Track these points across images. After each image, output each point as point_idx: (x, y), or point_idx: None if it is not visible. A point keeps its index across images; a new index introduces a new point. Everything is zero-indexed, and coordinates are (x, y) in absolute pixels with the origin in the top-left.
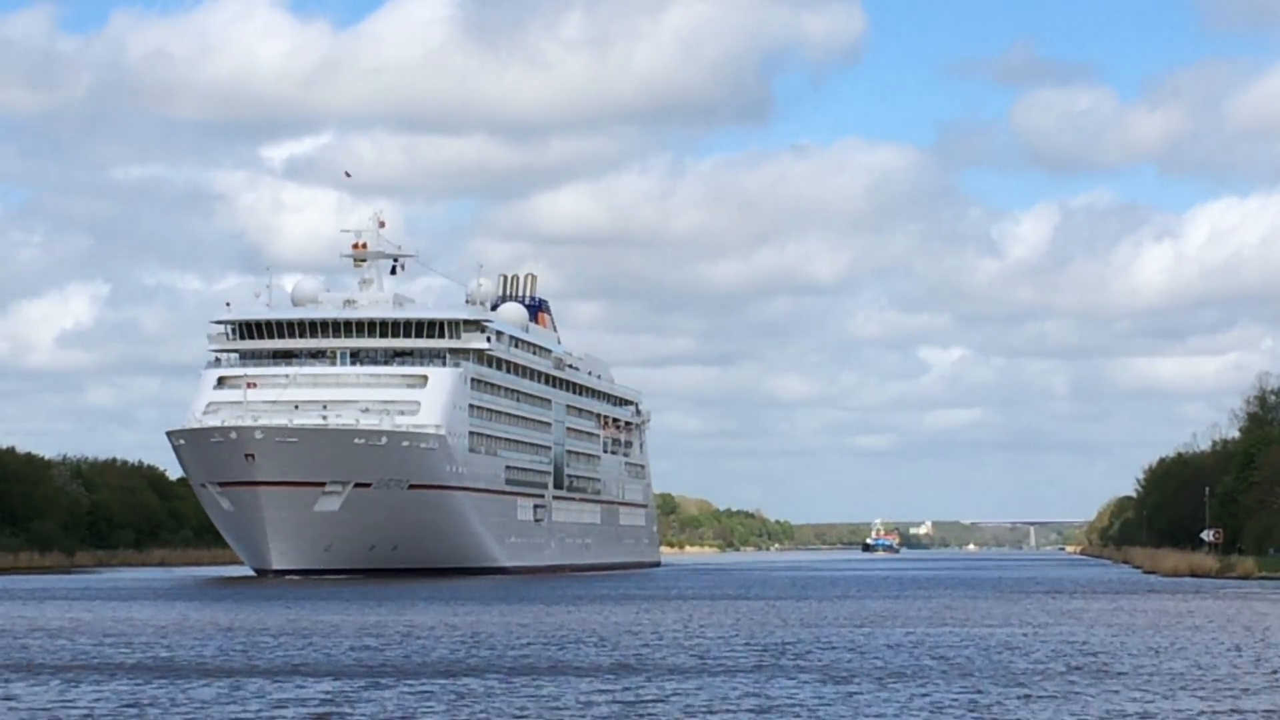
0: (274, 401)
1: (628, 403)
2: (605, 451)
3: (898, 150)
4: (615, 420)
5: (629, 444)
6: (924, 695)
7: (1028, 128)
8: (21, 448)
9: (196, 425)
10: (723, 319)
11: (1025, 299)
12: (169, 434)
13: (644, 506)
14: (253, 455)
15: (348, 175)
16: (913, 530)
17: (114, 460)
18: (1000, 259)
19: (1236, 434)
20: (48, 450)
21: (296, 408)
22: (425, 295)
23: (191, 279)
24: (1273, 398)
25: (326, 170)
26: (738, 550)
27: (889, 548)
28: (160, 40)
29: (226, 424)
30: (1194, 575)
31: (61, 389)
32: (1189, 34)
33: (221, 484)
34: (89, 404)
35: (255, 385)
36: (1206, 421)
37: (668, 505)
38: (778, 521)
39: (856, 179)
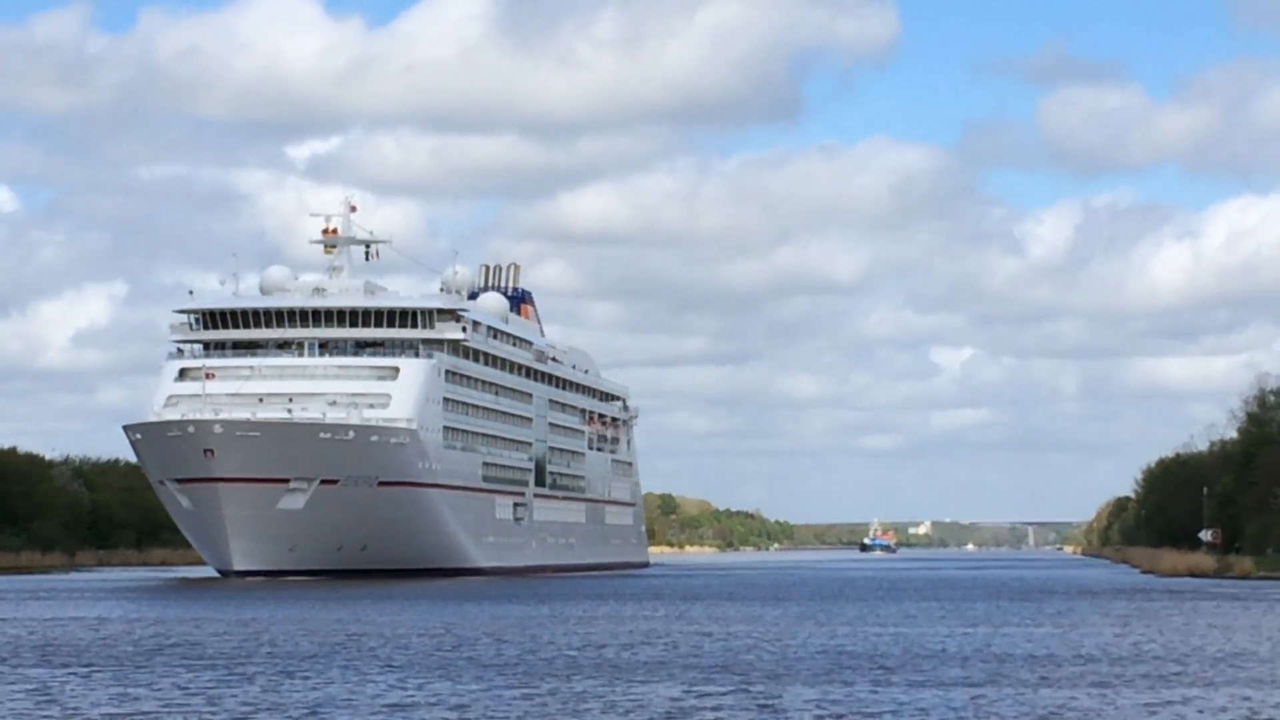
0: (236, 394)
1: (614, 398)
2: (590, 448)
3: (922, 150)
4: (601, 416)
5: (616, 440)
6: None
7: (1054, 126)
8: (32, 447)
9: (154, 419)
10: (738, 319)
11: (1042, 299)
12: (125, 428)
13: (631, 505)
14: (212, 450)
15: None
16: (911, 530)
17: (115, 460)
18: (1021, 259)
19: (1235, 434)
20: (57, 450)
21: (260, 401)
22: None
23: (212, 279)
24: (1272, 398)
25: (349, 169)
26: (737, 550)
27: (886, 548)
28: (192, 38)
29: (185, 417)
30: (1192, 575)
31: (74, 389)
32: (1219, 33)
33: (180, 481)
34: (100, 404)
35: (213, 376)
36: (1215, 422)
37: (668, 505)
38: (777, 522)
39: (880, 178)
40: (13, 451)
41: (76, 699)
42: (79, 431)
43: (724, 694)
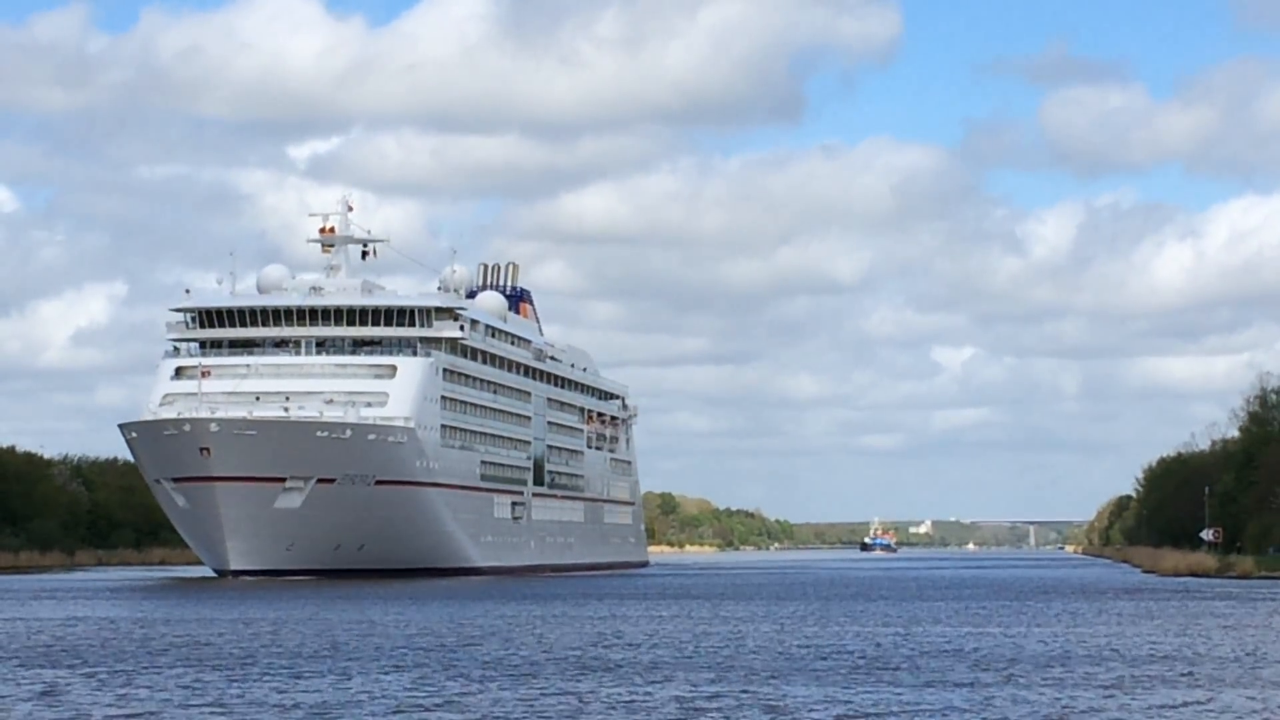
0: (232, 393)
1: (613, 396)
2: (589, 447)
3: (924, 150)
4: (600, 414)
5: (615, 439)
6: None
7: (1056, 126)
8: (32, 447)
9: (150, 417)
10: (740, 319)
11: (1044, 298)
12: (121, 427)
13: (630, 504)
14: (208, 449)
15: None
16: (912, 529)
17: (115, 460)
18: (1022, 258)
19: (1236, 433)
20: (57, 450)
21: (257, 399)
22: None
23: (211, 279)
24: (1273, 397)
25: (350, 169)
26: (737, 550)
27: (886, 547)
28: (193, 38)
29: (181, 416)
30: (1194, 575)
31: (73, 388)
32: (1222, 33)
33: (176, 479)
34: (99, 403)
35: (209, 374)
36: (1216, 421)
37: (668, 505)
38: (777, 521)
39: (882, 178)
40: (12, 451)
41: (82, 701)
42: (78, 431)
43: (730, 695)
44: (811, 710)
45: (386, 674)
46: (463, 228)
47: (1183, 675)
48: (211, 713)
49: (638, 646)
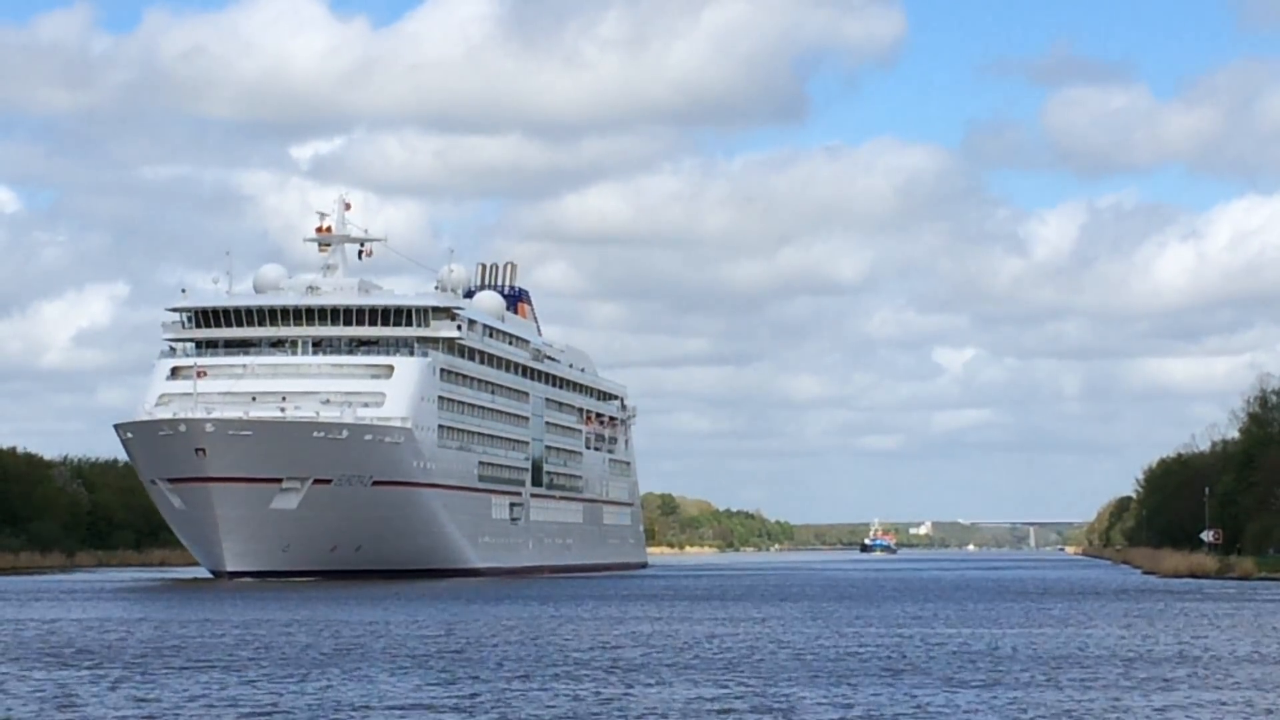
0: (228, 393)
1: (612, 397)
2: (588, 448)
3: (927, 150)
4: (599, 415)
5: (614, 440)
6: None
7: (1059, 127)
8: (32, 448)
9: (146, 418)
10: (741, 319)
11: (1046, 299)
12: (116, 427)
13: (629, 505)
14: (204, 450)
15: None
16: (912, 530)
17: (115, 461)
18: (1025, 259)
19: (1236, 434)
20: (58, 450)
21: (253, 399)
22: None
23: (211, 280)
24: (1274, 398)
25: (352, 170)
26: (738, 551)
27: (886, 548)
28: (196, 39)
29: (177, 416)
30: (1194, 576)
31: (74, 389)
32: (1225, 33)
33: (172, 480)
34: (100, 404)
35: (205, 374)
36: (1216, 422)
37: (668, 505)
38: (777, 522)
39: (885, 179)
40: (12, 451)
41: (91, 703)
42: (79, 431)
43: (737, 696)
44: (818, 712)
45: (394, 675)
46: (465, 228)
47: (1191, 676)
48: (219, 714)
49: (641, 648)
